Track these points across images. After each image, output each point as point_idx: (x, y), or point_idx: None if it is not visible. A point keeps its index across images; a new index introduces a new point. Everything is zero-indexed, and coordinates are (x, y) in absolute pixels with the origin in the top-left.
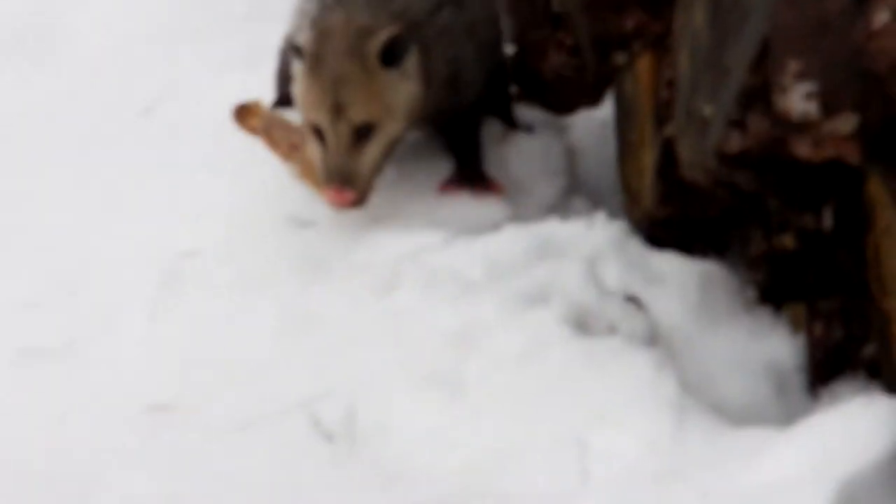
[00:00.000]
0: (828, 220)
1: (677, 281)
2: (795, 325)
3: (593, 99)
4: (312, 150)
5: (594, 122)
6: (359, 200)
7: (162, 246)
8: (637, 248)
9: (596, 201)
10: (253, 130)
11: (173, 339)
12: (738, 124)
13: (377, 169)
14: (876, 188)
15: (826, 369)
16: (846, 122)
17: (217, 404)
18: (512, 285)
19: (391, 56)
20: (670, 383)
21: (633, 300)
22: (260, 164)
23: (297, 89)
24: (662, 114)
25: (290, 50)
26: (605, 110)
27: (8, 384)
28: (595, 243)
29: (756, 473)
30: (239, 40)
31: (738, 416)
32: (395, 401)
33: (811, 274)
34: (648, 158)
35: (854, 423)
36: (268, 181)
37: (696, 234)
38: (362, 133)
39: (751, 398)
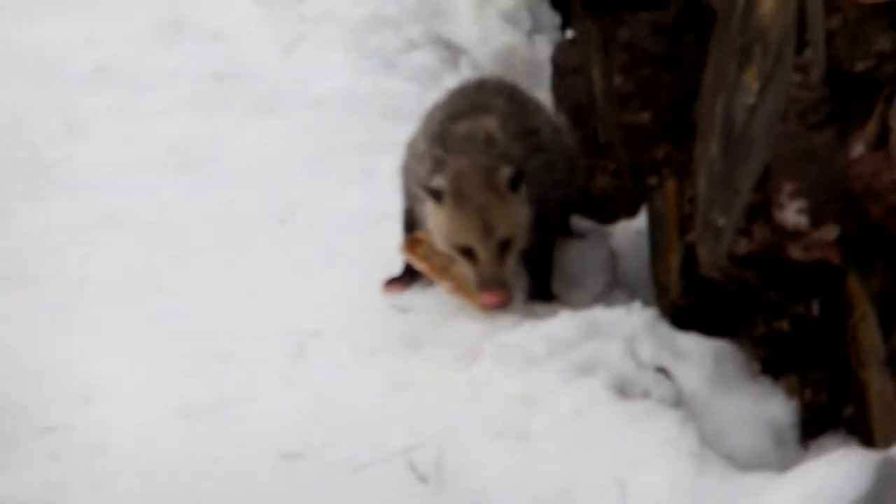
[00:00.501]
0: (816, 308)
1: (697, 356)
2: (790, 391)
3: (631, 212)
4: (463, 268)
5: (631, 231)
6: (510, 300)
7: (293, 326)
8: (665, 329)
9: (633, 293)
10: (418, 257)
11: (301, 399)
12: (745, 232)
13: (514, 273)
14: (854, 283)
15: (815, 427)
16: (830, 232)
17: (335, 452)
18: (567, 358)
19: (515, 185)
20: (692, 437)
21: (662, 371)
22: (370, 262)
23: (439, 222)
24: (685, 224)
25: (428, 194)
26: (639, 221)
27: (172, 435)
28: (632, 326)
29: None
30: (355, 164)
31: (745, 463)
32: (475, 449)
33: (803, 351)
34: (674, 259)
35: (837, 470)
36: (376, 275)
37: (711, 319)
38: (504, 247)
39: (755, 449)
